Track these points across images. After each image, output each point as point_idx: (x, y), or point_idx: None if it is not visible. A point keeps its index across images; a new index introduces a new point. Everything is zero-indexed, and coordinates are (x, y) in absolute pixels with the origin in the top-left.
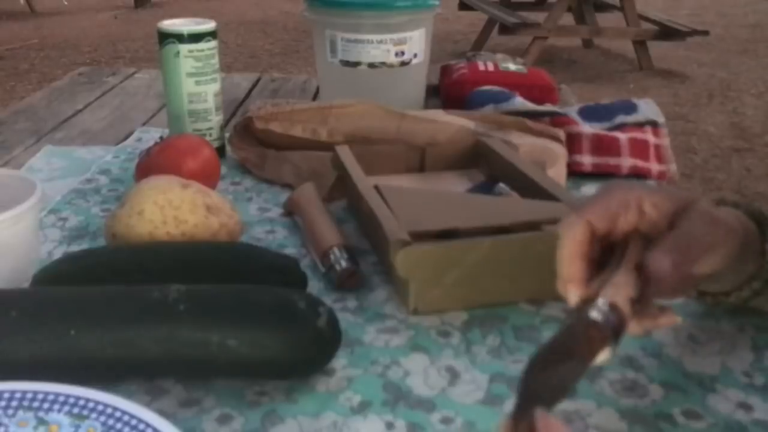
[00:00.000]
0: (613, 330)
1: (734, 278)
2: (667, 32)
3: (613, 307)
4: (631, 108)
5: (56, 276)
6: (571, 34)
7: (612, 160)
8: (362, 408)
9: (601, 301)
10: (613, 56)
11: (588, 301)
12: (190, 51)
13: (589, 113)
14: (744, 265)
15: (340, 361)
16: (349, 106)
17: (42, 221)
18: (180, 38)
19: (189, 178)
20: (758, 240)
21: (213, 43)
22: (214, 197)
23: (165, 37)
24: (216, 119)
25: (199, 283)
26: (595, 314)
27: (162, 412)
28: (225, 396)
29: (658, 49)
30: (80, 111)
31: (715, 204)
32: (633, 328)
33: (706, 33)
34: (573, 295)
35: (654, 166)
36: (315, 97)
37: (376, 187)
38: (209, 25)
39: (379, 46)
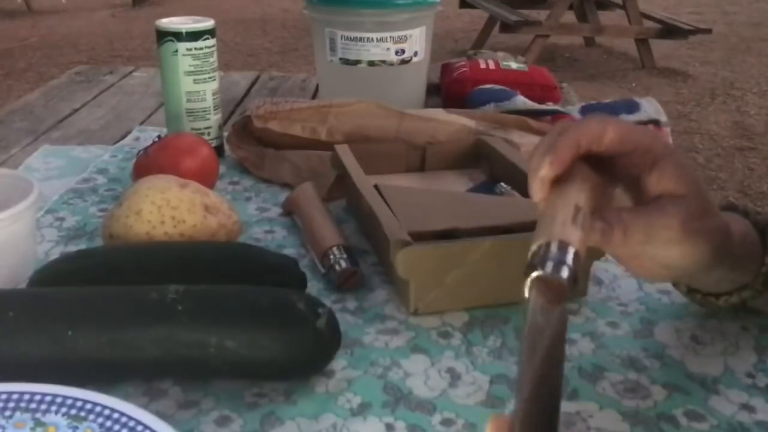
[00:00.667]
0: (570, 278)
1: (725, 283)
2: (670, 30)
3: (564, 248)
4: (633, 107)
5: (53, 276)
6: (573, 33)
7: None
8: (362, 410)
9: (553, 247)
10: (615, 54)
11: (541, 250)
12: (189, 49)
13: (591, 112)
14: (737, 271)
15: (339, 363)
16: (349, 104)
17: (39, 221)
18: (178, 36)
19: (187, 177)
20: (759, 250)
21: (211, 42)
22: (213, 197)
23: (163, 36)
24: (214, 118)
25: (197, 284)
26: (548, 268)
27: (160, 414)
28: (223, 397)
29: (660, 47)
30: (77, 110)
31: (723, 209)
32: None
33: (708, 31)
34: (538, 190)
35: None
36: (314, 95)
37: (376, 187)
38: (207, 23)
39: (379, 45)
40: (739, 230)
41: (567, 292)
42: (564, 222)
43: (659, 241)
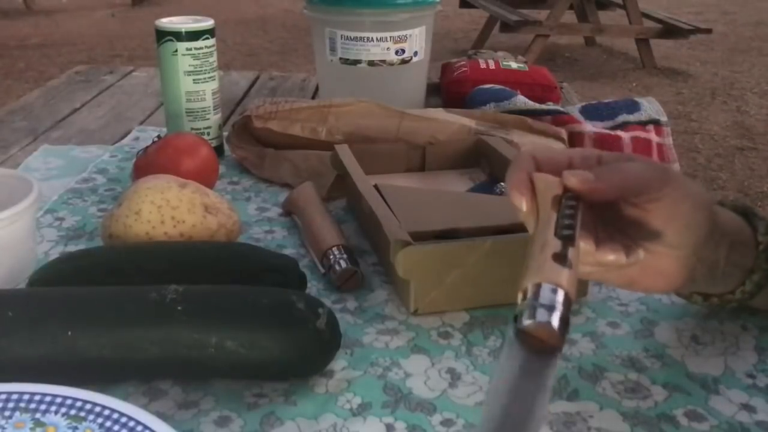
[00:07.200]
0: (561, 322)
1: (733, 275)
2: (670, 30)
3: (556, 290)
4: (633, 106)
5: (53, 276)
6: (573, 32)
7: None
8: (362, 410)
9: (544, 289)
10: (615, 54)
11: (530, 292)
12: (188, 49)
13: (591, 112)
14: (740, 259)
15: (339, 363)
16: (349, 104)
17: (38, 221)
18: (178, 36)
19: (187, 177)
20: (749, 233)
21: (211, 41)
22: (213, 197)
23: (163, 35)
24: (214, 118)
25: (197, 284)
26: (541, 315)
27: (160, 414)
28: (223, 398)
29: (660, 47)
30: (77, 110)
31: None
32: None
33: (709, 31)
34: (518, 198)
35: None
36: (314, 95)
37: (376, 187)
38: (207, 23)
39: (379, 44)
40: (723, 211)
41: (559, 342)
42: (545, 258)
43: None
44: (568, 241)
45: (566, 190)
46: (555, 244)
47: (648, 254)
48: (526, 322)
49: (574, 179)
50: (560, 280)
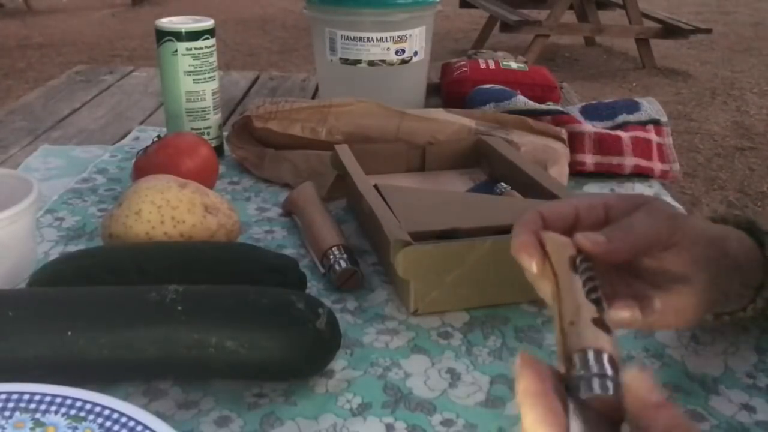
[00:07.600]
0: (615, 389)
1: (744, 294)
2: (670, 30)
3: (599, 354)
4: (633, 106)
5: (53, 276)
6: (573, 32)
7: (614, 160)
8: (362, 410)
9: (591, 356)
10: (615, 54)
11: (574, 358)
12: (188, 49)
13: (591, 112)
14: (750, 277)
15: (339, 363)
16: (349, 104)
17: (39, 221)
18: (178, 36)
19: (187, 177)
20: (757, 250)
21: (211, 41)
22: (213, 197)
23: (163, 35)
24: (214, 118)
25: (197, 284)
26: (596, 386)
27: (160, 414)
28: (223, 398)
29: (660, 47)
30: (77, 110)
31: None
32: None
33: (708, 31)
34: (527, 260)
35: (657, 166)
36: (314, 95)
37: (376, 187)
38: (207, 23)
39: (379, 44)
40: (730, 232)
41: (618, 411)
42: (586, 324)
43: (646, 231)
44: (599, 304)
45: (578, 250)
46: (590, 308)
47: (667, 295)
48: (585, 394)
49: (587, 242)
50: (606, 345)
